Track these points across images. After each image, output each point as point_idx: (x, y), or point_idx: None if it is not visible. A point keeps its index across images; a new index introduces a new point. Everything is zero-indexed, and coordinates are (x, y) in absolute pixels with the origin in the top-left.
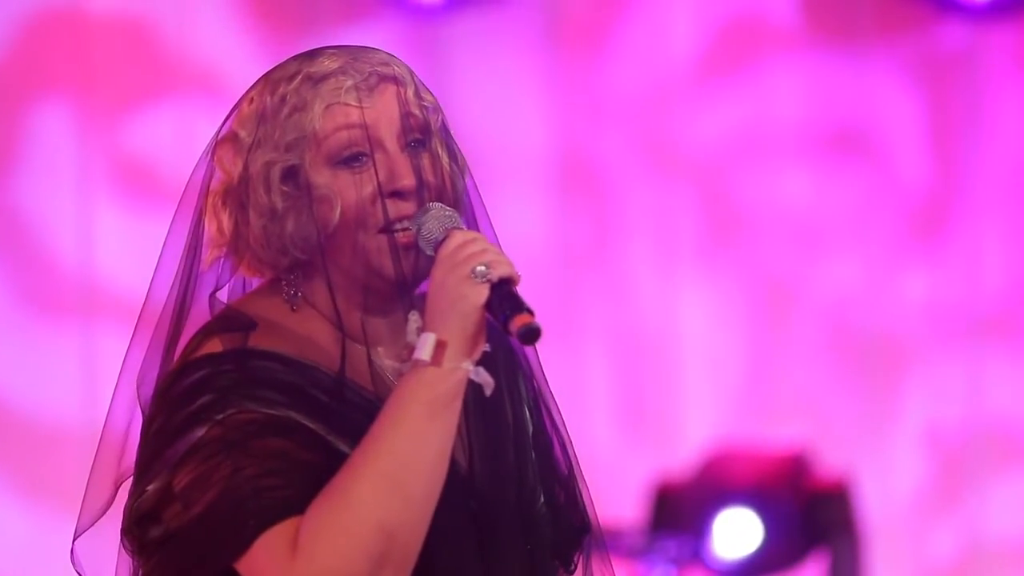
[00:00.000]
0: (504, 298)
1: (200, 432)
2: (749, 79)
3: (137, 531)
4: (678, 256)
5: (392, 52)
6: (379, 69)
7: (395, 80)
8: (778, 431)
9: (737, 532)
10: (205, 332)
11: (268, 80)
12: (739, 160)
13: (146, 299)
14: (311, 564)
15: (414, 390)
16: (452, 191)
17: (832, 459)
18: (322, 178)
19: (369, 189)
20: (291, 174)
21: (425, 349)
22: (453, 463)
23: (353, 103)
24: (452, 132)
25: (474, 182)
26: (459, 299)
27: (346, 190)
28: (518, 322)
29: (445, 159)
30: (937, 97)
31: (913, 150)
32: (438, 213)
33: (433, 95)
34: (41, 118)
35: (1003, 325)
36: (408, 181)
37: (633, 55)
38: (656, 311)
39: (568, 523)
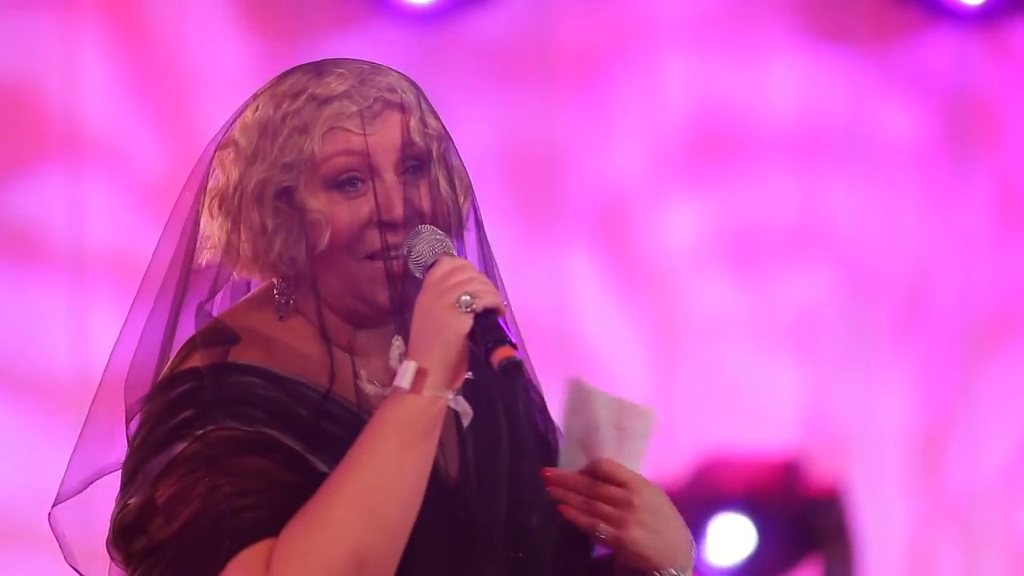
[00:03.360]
0: (487, 329)
1: (180, 447)
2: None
3: (122, 542)
4: (678, 264)
5: (382, 58)
6: (385, 95)
7: (400, 107)
8: (771, 437)
9: (730, 538)
10: (191, 345)
11: (275, 91)
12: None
13: (138, 292)
14: (255, 571)
15: (391, 418)
16: (447, 219)
17: (825, 465)
18: (316, 201)
19: (361, 216)
20: (285, 193)
21: (405, 377)
22: (440, 474)
23: (355, 129)
24: (459, 157)
25: (477, 209)
26: (443, 327)
27: (338, 215)
28: (499, 355)
29: (444, 187)
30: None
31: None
32: (429, 236)
33: (439, 121)
34: None
35: (1000, 328)
36: (398, 212)
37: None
38: (649, 319)
39: (571, 539)
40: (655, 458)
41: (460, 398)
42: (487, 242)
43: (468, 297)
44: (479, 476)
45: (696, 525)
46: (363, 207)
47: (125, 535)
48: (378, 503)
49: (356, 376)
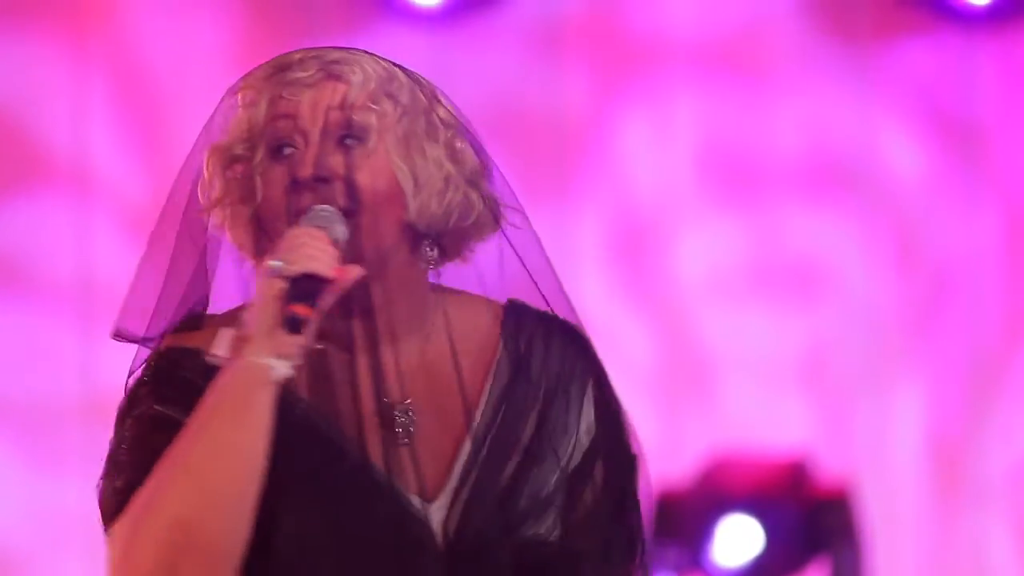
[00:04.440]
0: (298, 293)
1: (123, 429)
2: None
3: (109, 524)
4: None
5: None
6: (326, 67)
7: (338, 77)
8: (779, 437)
9: (738, 539)
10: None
11: (244, 78)
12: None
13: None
14: (114, 550)
15: (216, 387)
16: (381, 194)
17: (833, 465)
18: (260, 168)
19: (283, 178)
20: (238, 162)
21: (223, 345)
22: (401, 498)
23: (289, 96)
24: (459, 145)
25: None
26: (258, 296)
27: (270, 181)
28: (288, 309)
29: (398, 163)
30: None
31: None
32: (314, 214)
33: (409, 100)
34: None
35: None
36: (306, 170)
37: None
38: (661, 320)
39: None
40: (663, 460)
41: (284, 364)
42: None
43: (277, 263)
44: (472, 488)
45: (703, 526)
46: (285, 172)
47: (108, 518)
48: (203, 472)
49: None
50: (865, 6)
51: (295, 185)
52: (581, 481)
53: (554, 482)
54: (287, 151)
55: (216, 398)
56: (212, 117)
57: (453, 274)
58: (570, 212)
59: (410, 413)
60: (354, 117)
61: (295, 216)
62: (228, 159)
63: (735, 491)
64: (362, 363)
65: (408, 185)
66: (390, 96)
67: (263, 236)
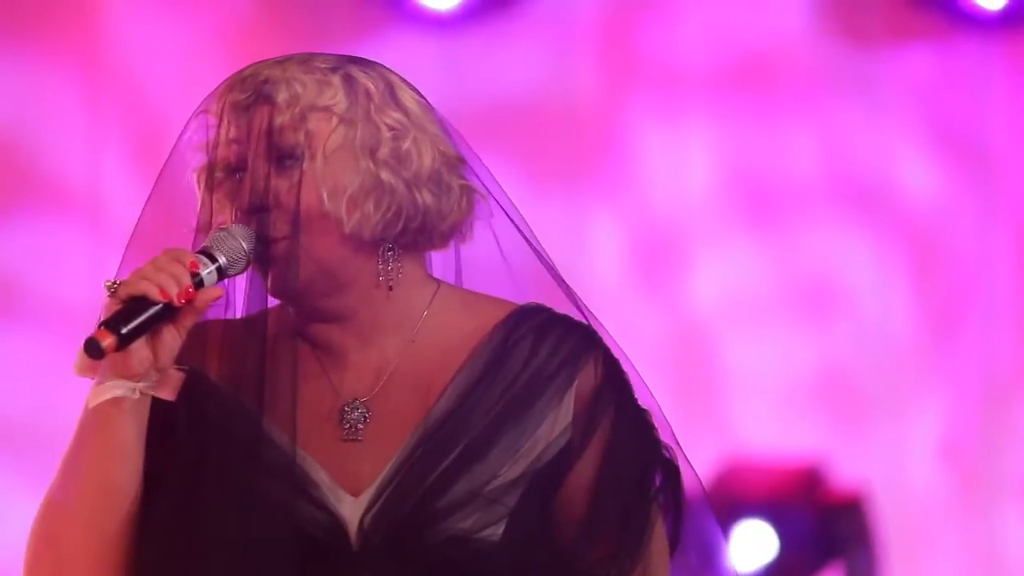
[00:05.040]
0: (127, 314)
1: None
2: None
3: None
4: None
5: (402, 64)
6: (262, 87)
7: (268, 98)
8: (793, 443)
9: (752, 545)
10: None
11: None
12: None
13: None
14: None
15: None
16: (316, 210)
17: (848, 471)
18: (224, 191)
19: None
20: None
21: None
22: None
23: (231, 120)
24: (374, 149)
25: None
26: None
27: (225, 207)
28: (91, 334)
29: (330, 180)
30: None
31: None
32: (213, 235)
33: (345, 109)
34: None
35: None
36: (242, 202)
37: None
38: (678, 336)
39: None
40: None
41: (131, 385)
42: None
43: (111, 282)
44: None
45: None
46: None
47: None
48: (64, 486)
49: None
50: (877, 16)
51: (240, 214)
52: (551, 481)
53: (508, 479)
54: (239, 175)
55: (81, 419)
56: (181, 136)
57: (484, 271)
58: (585, 223)
59: (362, 411)
60: (281, 141)
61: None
62: (211, 179)
63: (749, 497)
64: (318, 366)
65: (338, 202)
66: (324, 109)
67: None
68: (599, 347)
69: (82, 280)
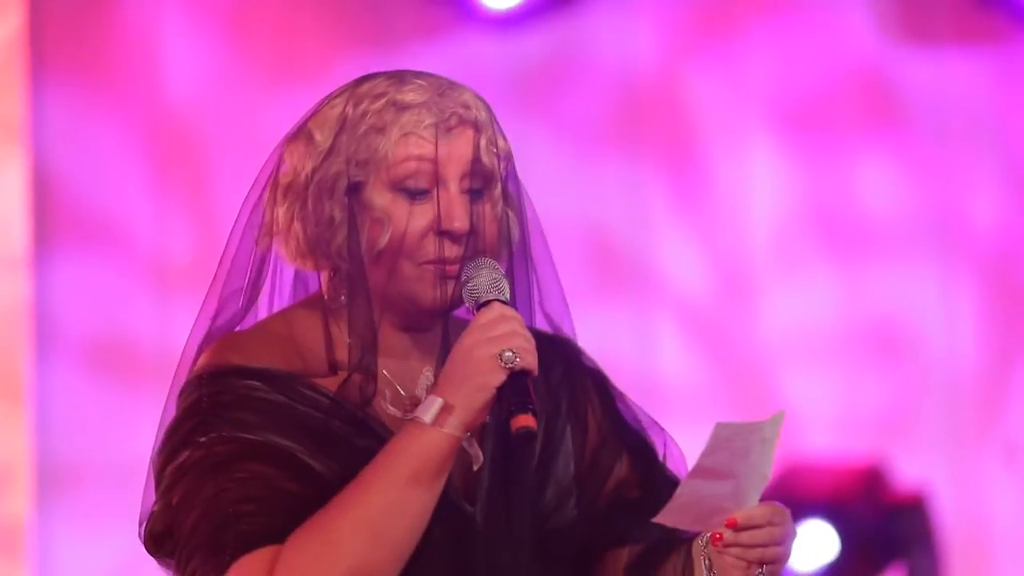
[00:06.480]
0: (516, 390)
1: (185, 454)
2: None
3: (153, 547)
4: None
5: (463, 63)
6: (460, 111)
7: (474, 125)
8: (854, 443)
9: (813, 545)
10: (208, 345)
11: (355, 92)
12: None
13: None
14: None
15: (408, 447)
16: (499, 242)
17: (910, 470)
18: (382, 200)
19: (422, 223)
20: (355, 189)
21: (430, 412)
22: (453, 503)
23: (428, 138)
24: (518, 181)
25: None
26: (478, 374)
27: (400, 218)
28: (518, 422)
29: (503, 209)
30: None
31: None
32: (489, 273)
33: (507, 141)
34: None
35: None
36: (461, 224)
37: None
38: (740, 374)
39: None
40: None
41: (474, 441)
42: (534, 269)
43: (511, 354)
44: (498, 501)
45: None
46: (427, 213)
47: (155, 541)
48: (383, 527)
49: (384, 385)
50: (945, 40)
51: (447, 235)
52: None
53: (572, 476)
54: (423, 192)
55: (408, 459)
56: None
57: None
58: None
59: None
60: (486, 167)
61: (439, 263)
62: (338, 177)
63: (810, 496)
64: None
65: (515, 231)
66: (500, 135)
67: (371, 262)
68: (584, 353)
69: (138, 318)
